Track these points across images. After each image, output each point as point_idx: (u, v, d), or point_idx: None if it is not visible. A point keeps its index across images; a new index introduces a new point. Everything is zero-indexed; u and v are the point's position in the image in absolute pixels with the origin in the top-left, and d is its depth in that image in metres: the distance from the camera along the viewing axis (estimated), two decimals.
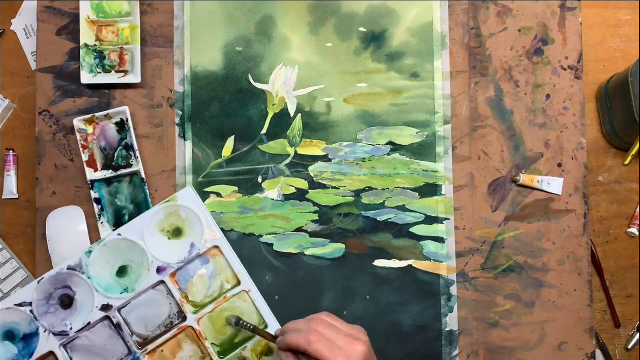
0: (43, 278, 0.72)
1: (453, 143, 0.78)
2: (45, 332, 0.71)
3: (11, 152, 0.82)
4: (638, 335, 0.81)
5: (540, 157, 0.78)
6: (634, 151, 0.77)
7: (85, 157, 0.76)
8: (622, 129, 0.79)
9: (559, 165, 0.78)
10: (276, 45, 0.78)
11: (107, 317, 0.72)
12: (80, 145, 0.76)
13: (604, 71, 0.84)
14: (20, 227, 0.81)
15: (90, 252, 0.73)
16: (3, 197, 0.82)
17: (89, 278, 0.72)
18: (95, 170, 0.76)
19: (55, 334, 0.71)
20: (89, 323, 0.72)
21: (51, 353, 0.71)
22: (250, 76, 0.78)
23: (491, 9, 0.79)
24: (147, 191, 0.76)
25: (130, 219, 0.75)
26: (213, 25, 0.79)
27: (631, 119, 0.75)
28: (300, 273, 0.77)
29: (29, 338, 0.71)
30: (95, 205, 0.75)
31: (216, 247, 0.74)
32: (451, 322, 0.76)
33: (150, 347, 0.72)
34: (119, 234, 0.73)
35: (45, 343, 0.71)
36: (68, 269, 0.72)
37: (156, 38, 0.78)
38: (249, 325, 0.69)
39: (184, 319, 0.72)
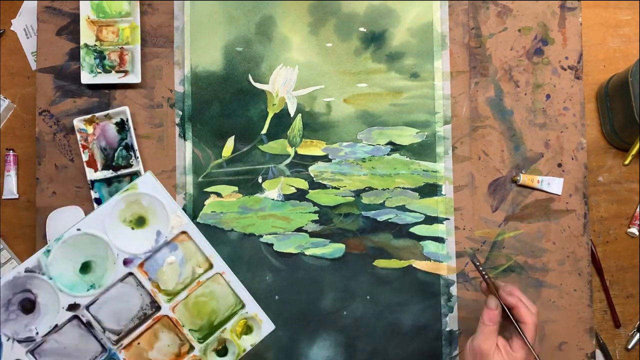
0: None
1: (453, 143, 0.78)
2: (8, 340, 0.68)
3: (11, 152, 0.82)
4: (638, 335, 0.81)
5: (540, 157, 0.78)
6: (634, 151, 0.78)
7: (85, 157, 0.76)
8: (622, 129, 0.79)
9: (559, 165, 0.78)
10: (276, 45, 0.78)
11: (76, 317, 0.69)
12: (80, 145, 0.76)
13: (604, 71, 0.84)
14: (20, 227, 0.81)
15: (48, 251, 0.69)
16: (3, 197, 0.82)
17: (50, 279, 0.69)
18: (96, 170, 0.76)
19: (19, 341, 0.68)
20: (56, 325, 0.69)
21: None
22: (250, 76, 0.78)
23: (491, 9, 0.79)
24: None
25: None
26: (213, 25, 0.79)
27: (631, 119, 0.75)
28: (300, 273, 0.77)
29: None
30: (95, 205, 0.75)
31: (184, 232, 0.71)
32: (451, 322, 0.76)
33: (126, 341, 0.70)
34: (78, 229, 0.69)
35: (10, 352, 0.68)
36: (26, 271, 0.68)
37: (156, 38, 0.78)
38: (481, 270, 0.64)
39: (158, 308, 0.70)
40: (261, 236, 0.77)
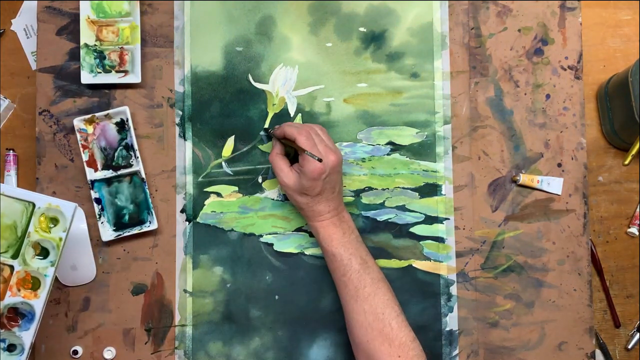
0: None
1: (453, 143, 0.78)
2: None
3: (11, 152, 0.82)
4: (638, 335, 0.81)
5: (540, 157, 0.78)
6: (634, 151, 0.78)
7: (85, 157, 0.76)
8: (622, 129, 0.79)
9: (559, 165, 0.78)
10: (276, 45, 0.78)
11: None
12: (80, 145, 0.76)
13: (604, 71, 0.84)
14: None
15: None
16: None
17: None
18: (96, 170, 0.76)
19: None
20: None
21: None
22: (250, 76, 0.78)
23: (491, 9, 0.79)
24: (147, 191, 0.76)
25: (130, 218, 0.76)
26: (213, 25, 0.79)
27: (631, 118, 0.75)
28: (300, 273, 0.77)
29: None
30: (95, 205, 0.75)
31: None
32: (451, 322, 0.76)
33: None
34: None
35: None
36: None
37: (156, 38, 0.78)
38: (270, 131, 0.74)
39: None
40: (261, 236, 0.77)
